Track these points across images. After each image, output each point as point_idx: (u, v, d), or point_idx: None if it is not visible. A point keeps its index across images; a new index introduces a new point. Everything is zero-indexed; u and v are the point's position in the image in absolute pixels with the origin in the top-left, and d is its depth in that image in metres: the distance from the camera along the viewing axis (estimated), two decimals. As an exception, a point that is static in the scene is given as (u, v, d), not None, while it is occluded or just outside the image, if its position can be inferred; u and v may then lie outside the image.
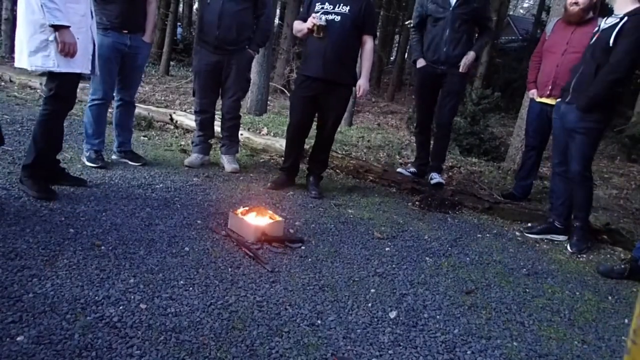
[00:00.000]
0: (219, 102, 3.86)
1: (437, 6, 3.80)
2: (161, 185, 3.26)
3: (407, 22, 10.06)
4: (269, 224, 2.67)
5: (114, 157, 3.64)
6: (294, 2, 10.31)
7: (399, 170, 4.36)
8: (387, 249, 2.77)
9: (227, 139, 3.89)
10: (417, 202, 3.67)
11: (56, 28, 2.49)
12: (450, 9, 3.73)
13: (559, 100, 3.29)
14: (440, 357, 1.83)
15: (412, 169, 4.30)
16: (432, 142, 4.23)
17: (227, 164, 3.85)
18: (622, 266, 2.82)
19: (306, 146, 3.96)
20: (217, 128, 3.99)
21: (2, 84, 6.27)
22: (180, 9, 17.74)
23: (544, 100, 3.78)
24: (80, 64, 2.67)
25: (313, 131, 3.67)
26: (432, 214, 3.54)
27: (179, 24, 16.42)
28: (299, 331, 1.85)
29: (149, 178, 3.36)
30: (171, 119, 5.04)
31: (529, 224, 3.50)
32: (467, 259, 2.79)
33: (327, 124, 3.52)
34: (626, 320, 2.32)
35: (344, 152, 4.80)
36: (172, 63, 12.19)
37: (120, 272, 2.07)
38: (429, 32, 3.91)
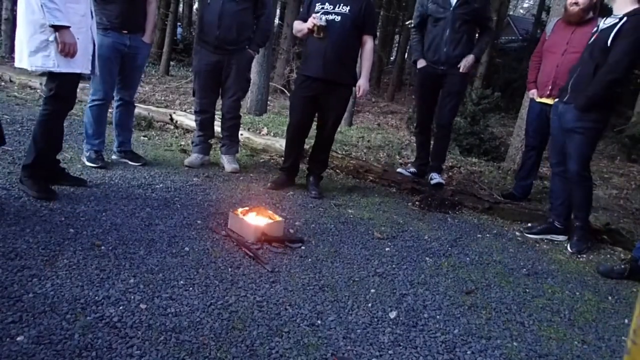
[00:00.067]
0: (219, 102, 3.87)
1: (437, 6, 3.80)
2: (161, 185, 3.26)
3: (407, 22, 10.05)
4: (269, 224, 2.67)
5: (114, 157, 3.65)
6: (294, 2, 10.31)
7: (399, 170, 4.36)
8: (387, 249, 2.77)
9: (227, 139, 3.90)
10: (417, 202, 3.67)
11: (56, 28, 2.49)
12: (451, 9, 3.73)
13: (556, 100, 3.30)
14: (440, 357, 1.83)
15: (412, 169, 4.30)
16: (432, 142, 4.23)
17: (227, 164, 3.86)
18: (622, 266, 2.82)
19: (306, 146, 3.96)
20: (217, 128, 4.00)
21: (2, 84, 6.27)
22: (180, 9, 17.75)
23: (544, 100, 3.78)
24: (80, 64, 2.67)
25: (313, 131, 3.67)
26: (432, 214, 3.54)
27: (179, 24, 16.42)
28: (299, 331, 1.86)
29: (149, 178, 3.36)
30: (171, 119, 5.04)
31: (529, 224, 3.50)
32: (467, 259, 2.79)
33: (327, 124, 3.52)
34: (626, 320, 2.32)
35: (344, 152, 4.80)
36: (172, 63, 12.20)
37: (120, 272, 2.07)
38: (429, 33, 3.91)
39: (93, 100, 3.35)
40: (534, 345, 2.00)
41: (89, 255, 2.17)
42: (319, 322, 1.94)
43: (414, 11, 4.42)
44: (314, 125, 3.65)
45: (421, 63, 3.96)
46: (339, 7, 3.30)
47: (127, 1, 3.23)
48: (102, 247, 2.27)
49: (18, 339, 1.58)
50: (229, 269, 2.25)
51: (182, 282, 2.08)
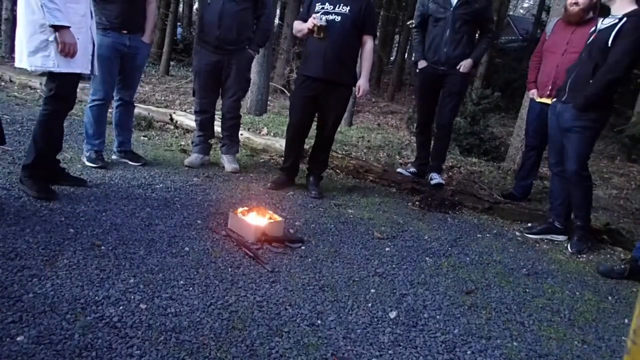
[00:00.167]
0: (219, 102, 3.87)
1: (437, 6, 3.80)
2: (161, 185, 3.26)
3: (408, 22, 10.04)
4: (269, 224, 2.67)
5: (114, 157, 3.65)
6: (294, 2, 10.31)
7: (399, 170, 4.36)
8: (387, 249, 2.77)
9: (227, 139, 3.90)
10: (417, 202, 3.67)
11: (56, 28, 2.49)
12: (451, 9, 3.73)
13: (554, 99, 3.30)
14: (440, 357, 1.83)
15: (412, 169, 4.30)
16: (432, 142, 4.23)
17: (227, 164, 3.86)
18: (622, 266, 2.82)
19: (306, 146, 3.96)
20: (217, 128, 4.00)
21: (2, 84, 6.27)
22: (180, 9, 17.74)
23: (544, 100, 3.78)
24: (80, 64, 2.67)
25: (313, 131, 3.67)
26: (432, 214, 3.54)
27: (179, 24, 16.42)
28: (299, 331, 1.86)
29: (149, 178, 3.36)
30: (171, 119, 5.04)
31: (529, 224, 3.50)
32: (467, 259, 2.79)
33: (327, 124, 3.52)
34: (626, 320, 2.32)
35: (344, 152, 4.80)
36: (172, 63, 12.19)
37: (120, 272, 2.07)
38: (430, 33, 3.91)
39: (93, 100, 3.35)
40: (534, 345, 2.00)
41: (89, 255, 2.17)
42: (319, 322, 1.94)
43: (414, 11, 4.42)
44: (314, 125, 3.65)
45: (422, 64, 3.96)
46: (339, 7, 3.30)
47: (127, 1, 3.23)
48: (102, 247, 2.27)
49: (18, 339, 1.58)
50: (229, 269, 2.25)
51: (182, 282, 2.08)
